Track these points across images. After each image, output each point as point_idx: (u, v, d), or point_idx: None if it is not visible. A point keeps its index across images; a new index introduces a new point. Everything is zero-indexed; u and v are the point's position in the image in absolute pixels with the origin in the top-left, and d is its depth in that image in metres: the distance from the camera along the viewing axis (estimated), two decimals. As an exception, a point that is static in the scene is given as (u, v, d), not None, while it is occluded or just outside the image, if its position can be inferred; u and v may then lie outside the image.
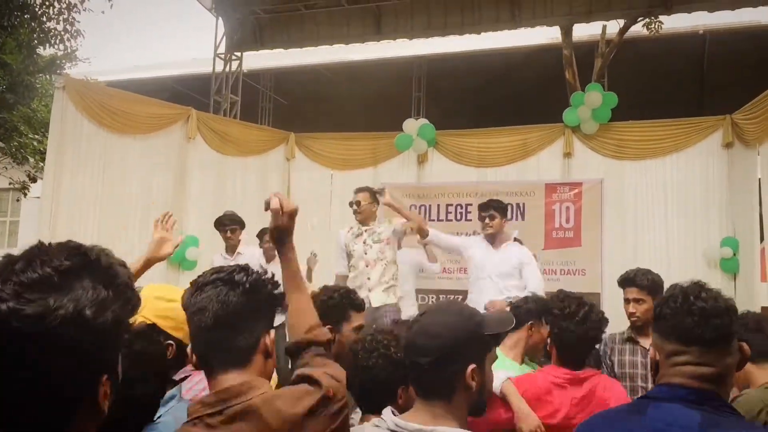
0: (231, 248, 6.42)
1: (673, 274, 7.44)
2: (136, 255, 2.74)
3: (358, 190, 6.04)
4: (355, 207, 5.89)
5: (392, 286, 5.74)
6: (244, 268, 1.65)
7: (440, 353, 1.71)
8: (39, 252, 1.05)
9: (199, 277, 1.67)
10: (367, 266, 5.76)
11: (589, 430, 1.79)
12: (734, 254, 7.42)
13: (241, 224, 6.41)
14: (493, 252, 5.61)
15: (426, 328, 1.77)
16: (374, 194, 6.01)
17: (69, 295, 1.01)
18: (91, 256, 1.08)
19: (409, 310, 5.97)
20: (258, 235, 7.26)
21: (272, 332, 1.65)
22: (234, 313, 1.58)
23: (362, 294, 5.51)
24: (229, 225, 6.35)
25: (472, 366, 1.71)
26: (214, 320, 1.57)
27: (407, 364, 1.80)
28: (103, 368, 1.09)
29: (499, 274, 5.49)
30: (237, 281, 1.61)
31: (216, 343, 1.59)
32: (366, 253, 5.79)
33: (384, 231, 5.81)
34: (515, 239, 5.86)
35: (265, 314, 1.65)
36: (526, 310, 3.28)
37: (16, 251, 1.10)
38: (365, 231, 5.86)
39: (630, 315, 3.85)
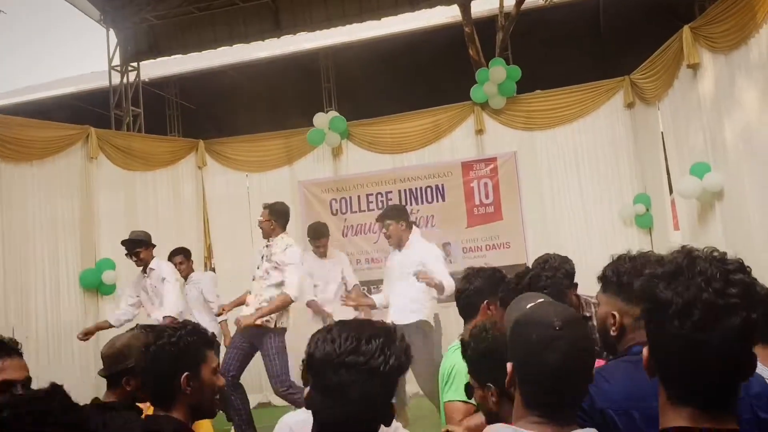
0: (143, 268, 6.20)
1: (593, 237, 7.74)
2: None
3: (264, 207, 5.94)
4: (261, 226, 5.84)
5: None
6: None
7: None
8: None
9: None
10: (253, 280, 5.75)
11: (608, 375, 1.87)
12: (647, 210, 7.63)
13: (143, 243, 6.14)
14: (397, 254, 5.85)
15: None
16: (274, 212, 5.83)
17: None
18: None
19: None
20: (169, 257, 6.96)
21: None
22: None
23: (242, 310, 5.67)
24: (131, 250, 6.11)
25: None
26: None
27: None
28: None
29: (400, 275, 5.69)
30: None
31: None
32: (258, 268, 5.72)
33: (278, 255, 5.62)
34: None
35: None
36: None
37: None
38: (266, 246, 5.79)
39: None
